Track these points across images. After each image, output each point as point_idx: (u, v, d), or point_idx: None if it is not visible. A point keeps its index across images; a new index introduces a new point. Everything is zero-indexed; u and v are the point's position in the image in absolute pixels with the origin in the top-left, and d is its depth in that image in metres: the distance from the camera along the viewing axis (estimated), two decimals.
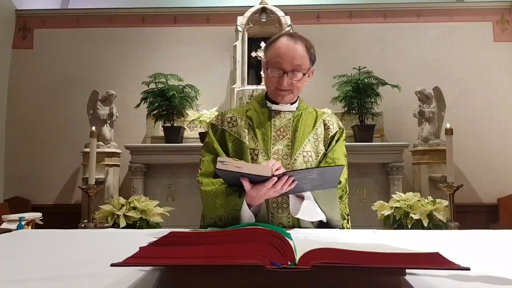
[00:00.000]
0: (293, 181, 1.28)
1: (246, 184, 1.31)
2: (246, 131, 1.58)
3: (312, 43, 1.62)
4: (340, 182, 1.49)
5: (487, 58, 4.98)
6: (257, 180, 1.30)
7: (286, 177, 1.27)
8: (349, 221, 1.66)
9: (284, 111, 1.63)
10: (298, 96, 1.68)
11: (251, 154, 1.55)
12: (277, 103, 1.64)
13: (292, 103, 1.65)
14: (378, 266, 0.65)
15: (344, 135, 1.69)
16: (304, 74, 1.57)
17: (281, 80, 1.54)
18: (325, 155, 1.61)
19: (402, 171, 4.19)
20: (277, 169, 1.33)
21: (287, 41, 1.56)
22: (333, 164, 1.55)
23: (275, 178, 1.27)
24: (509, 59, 4.96)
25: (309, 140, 1.60)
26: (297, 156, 1.55)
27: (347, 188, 1.64)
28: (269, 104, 1.65)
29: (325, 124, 1.66)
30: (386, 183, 4.21)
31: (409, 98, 4.57)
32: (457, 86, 4.91)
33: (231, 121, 1.62)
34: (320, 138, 1.62)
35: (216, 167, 1.27)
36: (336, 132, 1.65)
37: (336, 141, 1.64)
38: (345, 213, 1.62)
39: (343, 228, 1.57)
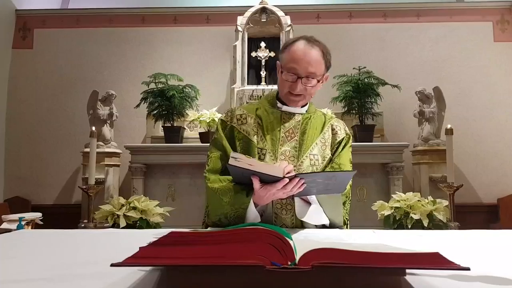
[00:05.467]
0: (302, 183, 1.28)
1: (256, 183, 1.30)
2: (255, 130, 1.57)
3: (328, 49, 1.60)
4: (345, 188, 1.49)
5: (487, 58, 4.98)
6: (267, 180, 1.30)
7: (297, 179, 1.27)
8: (348, 226, 1.66)
9: (294, 113, 1.62)
10: None
11: (258, 153, 1.54)
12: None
13: (302, 106, 1.64)
14: (378, 266, 0.65)
15: (350, 141, 1.68)
16: (318, 81, 1.56)
17: (295, 85, 1.53)
18: (331, 160, 1.60)
19: (402, 171, 4.19)
20: (288, 172, 1.32)
21: (303, 45, 1.54)
22: (339, 170, 1.55)
23: (287, 180, 1.27)
24: (509, 59, 4.96)
25: (316, 143, 1.59)
26: (304, 159, 1.55)
27: (350, 195, 1.63)
28: (279, 104, 1.63)
29: (333, 129, 1.65)
30: (386, 183, 4.20)
31: (409, 98, 4.56)
32: (457, 86, 4.90)
33: (240, 118, 1.61)
34: (328, 143, 1.62)
35: (229, 162, 1.26)
36: (343, 138, 1.65)
37: (343, 147, 1.63)
38: (346, 218, 1.63)
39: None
